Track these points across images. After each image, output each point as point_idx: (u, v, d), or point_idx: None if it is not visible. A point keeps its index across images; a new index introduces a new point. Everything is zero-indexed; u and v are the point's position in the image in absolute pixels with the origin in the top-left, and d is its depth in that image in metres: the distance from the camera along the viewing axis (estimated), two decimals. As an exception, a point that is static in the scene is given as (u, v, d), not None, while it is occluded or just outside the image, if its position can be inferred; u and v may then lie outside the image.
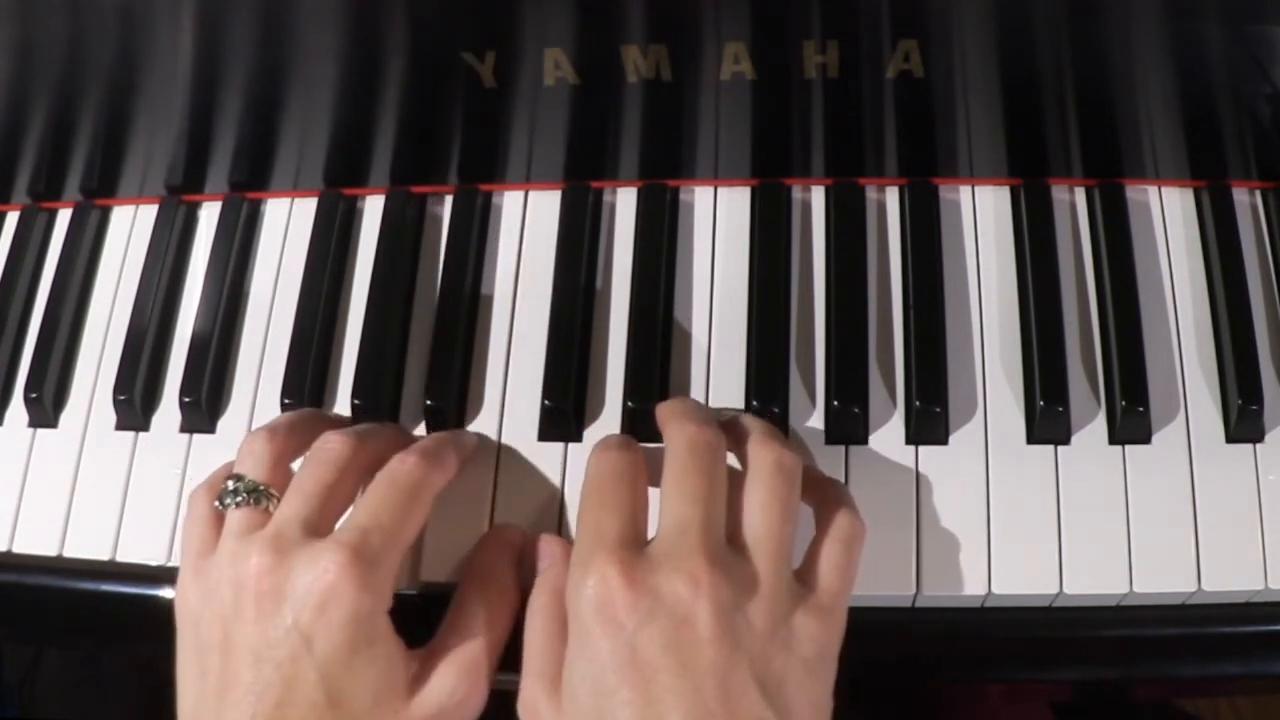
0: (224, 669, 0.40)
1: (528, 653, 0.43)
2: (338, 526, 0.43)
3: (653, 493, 0.43)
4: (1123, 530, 0.47)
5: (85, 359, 0.56)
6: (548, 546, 0.46)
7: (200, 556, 0.43)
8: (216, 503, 0.44)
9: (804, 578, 0.42)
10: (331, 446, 0.44)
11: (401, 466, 0.44)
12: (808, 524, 0.44)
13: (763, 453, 0.43)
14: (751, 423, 0.45)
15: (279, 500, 0.43)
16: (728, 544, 0.41)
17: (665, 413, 0.45)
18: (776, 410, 0.49)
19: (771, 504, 0.41)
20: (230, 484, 0.44)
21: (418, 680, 0.42)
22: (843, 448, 0.49)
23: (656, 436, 0.45)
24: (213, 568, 0.42)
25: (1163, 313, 0.51)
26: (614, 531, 0.40)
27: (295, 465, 0.45)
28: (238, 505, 0.43)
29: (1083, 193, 0.54)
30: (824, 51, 0.47)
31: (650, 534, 0.42)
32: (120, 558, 0.51)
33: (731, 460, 0.44)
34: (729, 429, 0.45)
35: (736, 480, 0.42)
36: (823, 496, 0.45)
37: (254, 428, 0.52)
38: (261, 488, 0.44)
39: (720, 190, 0.55)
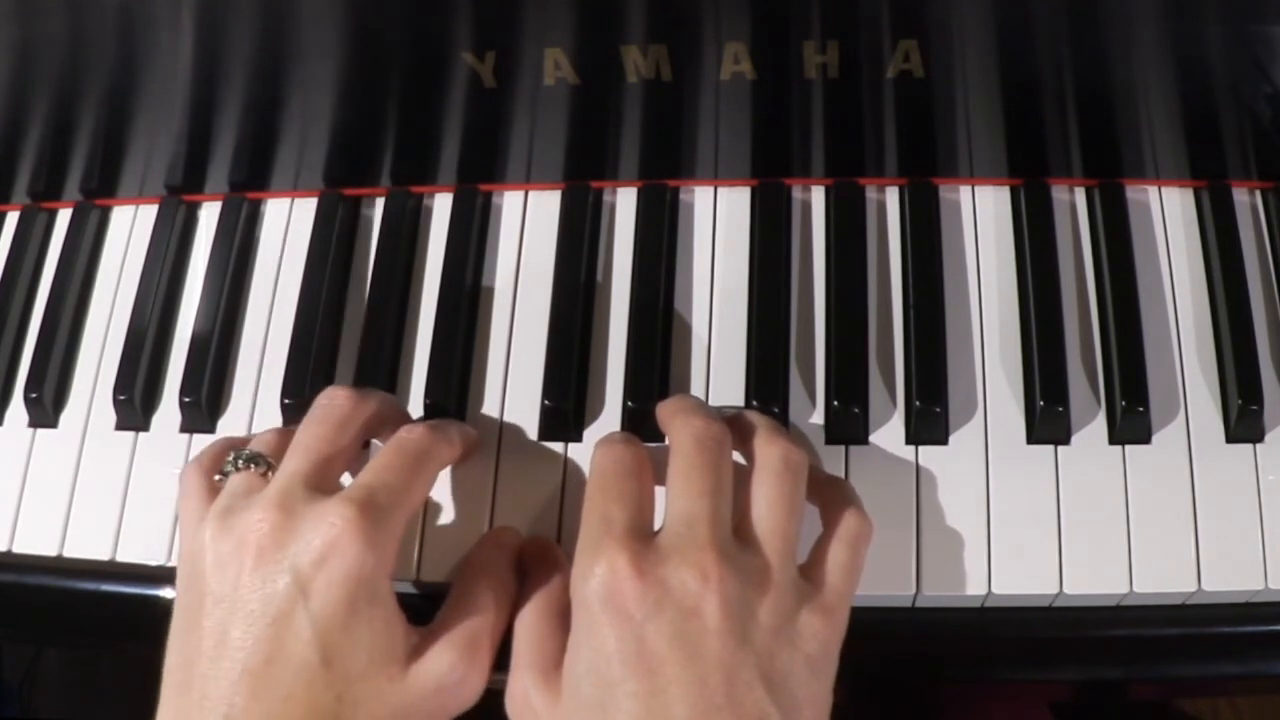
0: (210, 627, 0.39)
1: (519, 647, 0.42)
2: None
3: (658, 492, 0.43)
4: (1123, 530, 0.47)
5: (85, 359, 0.56)
6: (541, 549, 0.46)
7: (198, 523, 0.42)
8: (217, 475, 0.44)
9: (809, 575, 0.41)
10: (332, 403, 0.44)
11: (410, 435, 0.44)
12: (812, 523, 0.44)
13: (770, 449, 0.42)
14: (756, 419, 0.45)
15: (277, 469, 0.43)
16: (734, 539, 0.40)
17: (668, 410, 0.45)
18: (776, 410, 0.49)
19: (778, 500, 0.41)
20: (231, 455, 0.44)
21: (417, 652, 0.41)
22: (843, 448, 0.49)
23: (657, 437, 0.45)
24: (206, 529, 0.41)
25: (1163, 313, 0.51)
26: (622, 521, 0.40)
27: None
28: (237, 469, 0.43)
29: (1083, 193, 0.54)
30: (824, 51, 0.47)
31: (656, 531, 0.41)
32: (120, 558, 0.51)
33: (736, 457, 0.43)
34: (733, 425, 0.44)
35: (742, 476, 0.42)
36: (829, 496, 0.45)
37: (254, 428, 0.52)
38: (261, 455, 0.43)
39: (720, 190, 0.55)
